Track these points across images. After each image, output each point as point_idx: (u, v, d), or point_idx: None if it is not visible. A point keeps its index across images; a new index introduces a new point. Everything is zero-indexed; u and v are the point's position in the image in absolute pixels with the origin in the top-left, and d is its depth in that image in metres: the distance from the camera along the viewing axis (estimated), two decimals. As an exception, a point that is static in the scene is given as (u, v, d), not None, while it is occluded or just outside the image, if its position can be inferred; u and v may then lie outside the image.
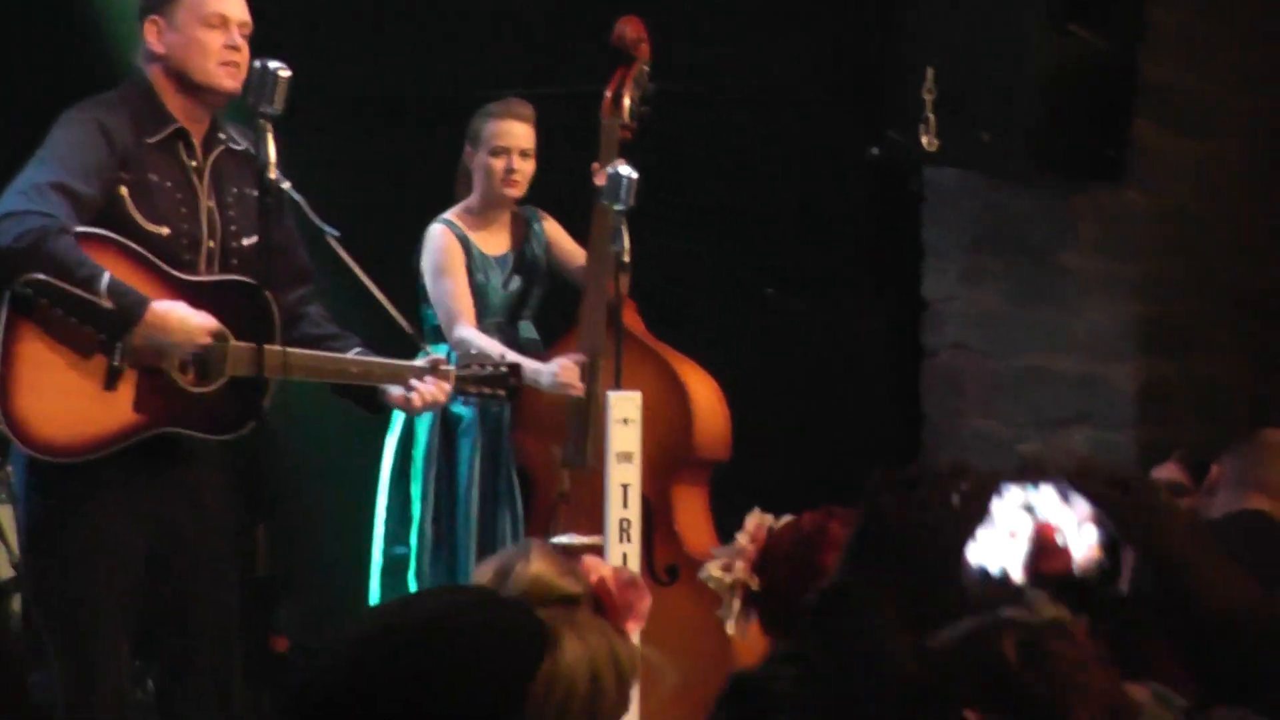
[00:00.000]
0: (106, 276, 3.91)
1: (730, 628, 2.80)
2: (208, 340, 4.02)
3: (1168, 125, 5.23)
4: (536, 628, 1.81)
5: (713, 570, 2.79)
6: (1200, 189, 5.29)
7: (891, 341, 5.91)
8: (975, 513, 1.92)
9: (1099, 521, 1.98)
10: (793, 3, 5.68)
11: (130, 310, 3.94)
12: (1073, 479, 2.01)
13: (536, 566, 2.10)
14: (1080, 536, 1.98)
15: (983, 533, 1.95)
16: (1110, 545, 1.99)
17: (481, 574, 2.39)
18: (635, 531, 4.33)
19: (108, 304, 3.93)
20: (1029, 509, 2.01)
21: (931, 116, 4.94)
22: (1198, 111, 5.27)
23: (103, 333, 4.01)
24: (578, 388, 4.69)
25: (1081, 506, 1.99)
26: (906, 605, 1.82)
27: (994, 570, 2.04)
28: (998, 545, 1.99)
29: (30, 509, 4.12)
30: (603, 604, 2.05)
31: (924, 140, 5.01)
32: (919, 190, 5.51)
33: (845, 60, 5.77)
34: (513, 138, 4.81)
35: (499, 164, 4.82)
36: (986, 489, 1.94)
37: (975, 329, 5.61)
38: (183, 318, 3.99)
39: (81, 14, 5.61)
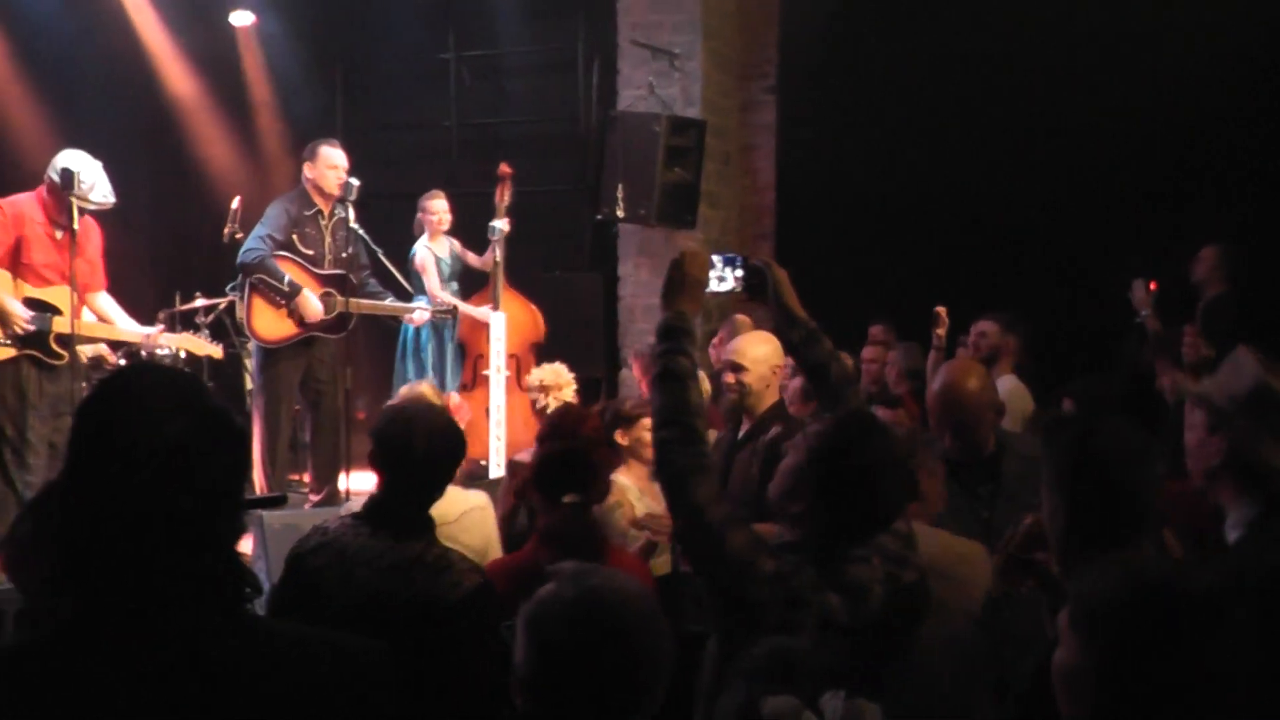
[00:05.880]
0: (287, 277, 6.34)
1: (539, 405, 6.04)
2: (321, 307, 6.35)
3: (710, 205, 8.06)
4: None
5: (531, 381, 6.28)
6: (720, 231, 8.23)
7: (607, 293, 8.33)
8: None
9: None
10: (566, 152, 8.84)
11: (295, 291, 6.43)
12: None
13: (424, 388, 4.90)
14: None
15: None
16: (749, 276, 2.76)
17: (400, 394, 4.79)
18: (507, 370, 7.08)
19: (286, 289, 6.43)
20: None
21: (621, 203, 7.61)
22: (719, 199, 8.25)
23: (283, 297, 6.40)
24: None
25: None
26: None
27: None
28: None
29: (259, 363, 6.65)
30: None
31: (619, 212, 7.59)
32: (616, 232, 8.18)
33: (588, 178, 8.50)
34: (448, 212, 7.70)
35: (447, 220, 7.69)
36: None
37: (639, 287, 8.07)
38: (309, 300, 6.42)
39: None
